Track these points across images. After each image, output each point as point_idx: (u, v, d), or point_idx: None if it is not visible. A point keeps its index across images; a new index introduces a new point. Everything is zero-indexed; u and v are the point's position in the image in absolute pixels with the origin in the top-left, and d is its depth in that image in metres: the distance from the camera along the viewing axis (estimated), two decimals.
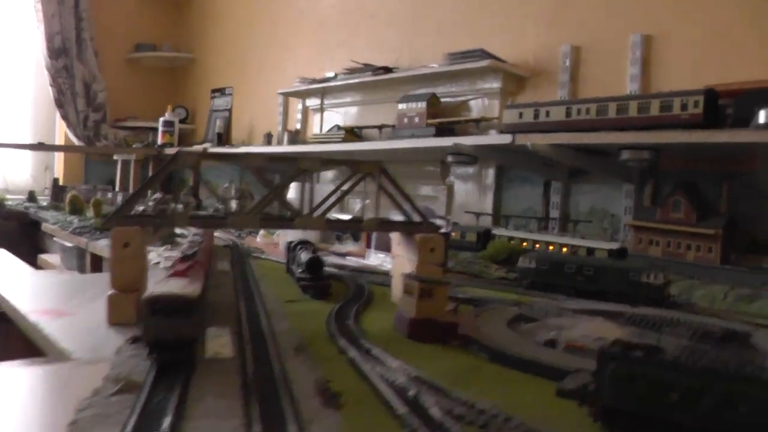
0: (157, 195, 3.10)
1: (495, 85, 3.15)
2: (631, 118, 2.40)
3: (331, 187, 1.63)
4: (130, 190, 5.14)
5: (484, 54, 3.05)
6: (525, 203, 3.08)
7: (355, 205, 3.61)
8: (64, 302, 1.59)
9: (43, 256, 4.25)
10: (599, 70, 2.85)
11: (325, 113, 4.22)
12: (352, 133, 3.74)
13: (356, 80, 3.73)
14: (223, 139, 4.97)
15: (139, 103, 5.98)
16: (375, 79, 3.60)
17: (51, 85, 5.61)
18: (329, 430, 0.83)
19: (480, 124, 3.12)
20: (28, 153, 5.76)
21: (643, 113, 2.36)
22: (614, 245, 2.20)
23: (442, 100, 3.37)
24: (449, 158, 2.94)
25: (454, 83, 3.35)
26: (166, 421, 0.80)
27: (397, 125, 3.38)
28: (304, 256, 1.85)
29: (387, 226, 1.58)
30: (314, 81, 4.07)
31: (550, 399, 0.89)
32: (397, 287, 1.65)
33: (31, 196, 4.99)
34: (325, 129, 4.16)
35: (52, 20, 5.55)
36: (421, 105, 3.24)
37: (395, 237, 1.70)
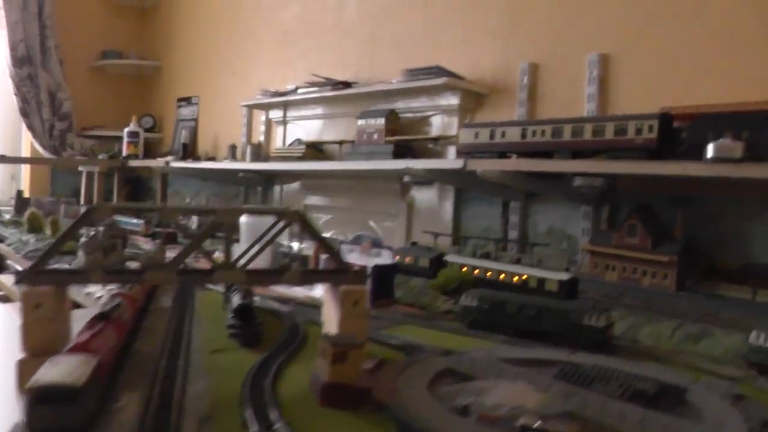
0: (91, 232, 3.04)
1: (453, 102, 3.09)
2: (586, 141, 2.35)
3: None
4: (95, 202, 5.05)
5: (440, 71, 2.99)
6: (484, 222, 3.02)
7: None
8: None
9: (1, 277, 4.15)
10: (557, 89, 2.80)
11: (288, 126, 4.15)
12: (314, 148, 3.67)
13: (316, 95, 3.66)
14: (189, 150, 4.88)
15: (105, 112, 5.87)
16: (335, 94, 3.53)
17: (15, 94, 5.49)
18: None
19: (438, 142, 3.06)
20: None
21: (597, 136, 2.32)
22: (565, 276, 2.14)
23: (403, 115, 3.30)
24: (406, 178, 2.88)
25: (414, 99, 3.29)
26: None
27: (357, 141, 3.31)
28: (235, 300, 1.79)
29: (310, 277, 1.51)
30: (276, 94, 3.99)
31: None
32: (331, 325, 1.59)
33: None
34: (289, 141, 4.09)
35: (16, 27, 5.42)
36: (380, 122, 3.18)
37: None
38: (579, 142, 2.37)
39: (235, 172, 4.00)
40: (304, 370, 1.43)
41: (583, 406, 1.22)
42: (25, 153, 5.75)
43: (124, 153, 5.11)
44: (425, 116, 3.28)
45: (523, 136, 2.52)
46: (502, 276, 2.29)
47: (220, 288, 2.38)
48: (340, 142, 3.48)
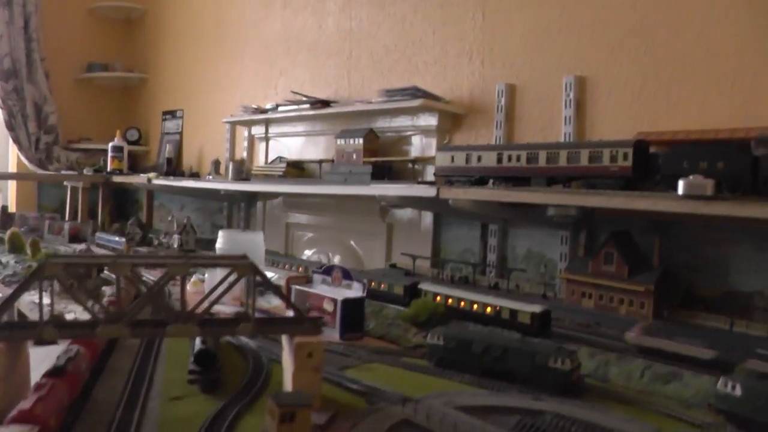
0: (82, 248, 3.00)
1: (432, 122, 3.06)
2: (561, 168, 2.33)
3: None
4: (79, 218, 5.01)
5: (417, 91, 2.95)
6: (464, 244, 2.99)
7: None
8: None
9: None
10: (535, 111, 2.77)
11: (271, 142, 4.12)
12: (295, 166, 3.64)
13: (295, 113, 3.63)
14: (173, 164, 4.84)
15: (91, 124, 5.83)
16: (314, 113, 3.50)
17: (1, 108, 5.45)
18: None
19: (416, 164, 3.03)
20: None
21: (572, 163, 2.30)
22: (537, 308, 2.10)
23: (384, 134, 3.27)
24: (383, 201, 2.85)
25: (393, 118, 3.26)
26: None
27: (336, 161, 3.28)
28: (197, 344, 1.75)
29: (266, 328, 1.47)
30: (256, 111, 3.96)
31: None
32: (287, 375, 1.56)
33: None
34: (271, 157, 4.06)
35: (1, 41, 5.38)
36: (358, 142, 3.14)
37: None
38: (554, 169, 2.34)
39: (218, 189, 3.98)
40: (261, 420, 1.40)
41: None
42: (12, 166, 5.71)
43: (109, 167, 5.06)
44: (405, 135, 3.24)
45: (499, 161, 2.49)
46: (475, 306, 2.26)
47: None
48: (320, 161, 3.45)
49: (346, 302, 2.12)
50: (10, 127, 5.49)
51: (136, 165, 5.59)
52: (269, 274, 2.46)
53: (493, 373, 1.74)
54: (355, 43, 3.63)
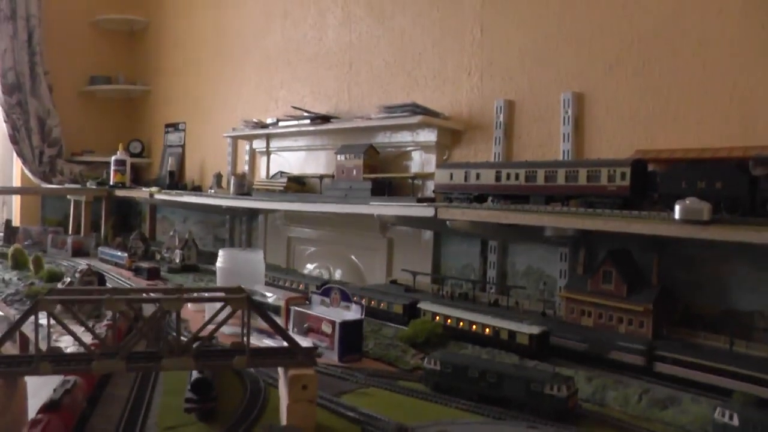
0: (83, 267, 3.03)
1: (431, 138, 3.06)
2: (559, 187, 2.33)
3: None
4: (82, 232, 5.03)
5: (416, 108, 2.95)
6: (464, 260, 2.99)
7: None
8: None
9: None
10: (534, 127, 2.76)
11: (272, 156, 4.12)
12: (296, 182, 3.64)
13: (295, 129, 3.64)
14: (176, 177, 4.85)
15: (95, 137, 5.85)
16: (314, 129, 3.51)
17: (5, 122, 5.48)
18: None
19: (416, 180, 3.03)
20: None
21: (570, 182, 2.30)
22: (536, 329, 2.10)
23: (384, 149, 3.27)
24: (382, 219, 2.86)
25: (393, 134, 3.26)
26: None
27: (336, 176, 3.28)
28: (194, 372, 1.75)
29: (261, 361, 1.47)
30: (257, 125, 3.97)
31: None
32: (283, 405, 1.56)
33: None
34: (273, 171, 4.07)
35: (5, 56, 5.41)
36: (358, 158, 3.15)
37: None
38: (552, 187, 2.34)
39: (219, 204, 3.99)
40: None
41: None
42: (16, 179, 5.74)
43: (112, 181, 5.08)
44: (405, 151, 3.24)
45: (498, 179, 2.49)
46: (474, 327, 2.26)
47: None
48: (321, 177, 3.45)
49: (345, 325, 2.12)
50: (14, 140, 5.52)
51: (139, 177, 5.61)
52: (268, 295, 2.46)
53: (489, 398, 1.74)
54: (355, 57, 3.64)
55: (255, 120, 4.02)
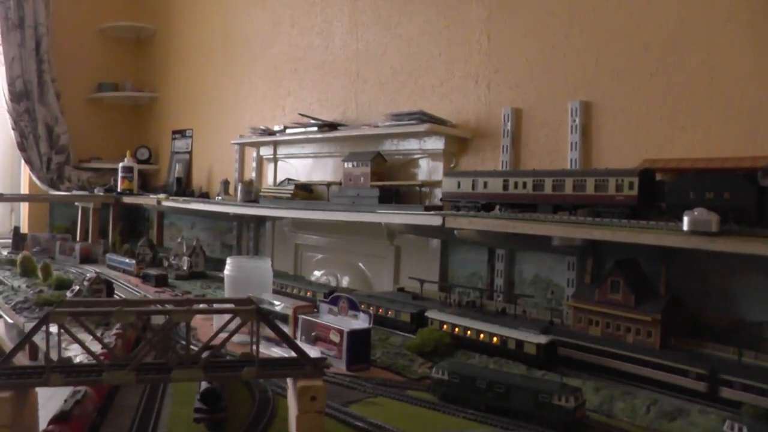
0: (92, 275, 3.04)
1: (438, 146, 3.07)
2: (567, 196, 2.33)
3: None
4: (90, 239, 5.05)
5: (424, 116, 2.96)
6: (471, 268, 2.99)
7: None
8: None
9: None
10: (541, 136, 2.76)
11: (279, 163, 4.13)
12: (303, 189, 3.65)
13: (302, 136, 3.65)
14: (183, 184, 4.87)
15: (102, 143, 5.88)
16: (321, 136, 3.52)
17: (13, 129, 5.51)
18: None
19: (423, 188, 3.04)
20: None
21: (578, 191, 2.30)
22: (543, 339, 2.10)
23: (391, 157, 3.28)
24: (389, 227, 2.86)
25: (401, 142, 3.27)
26: None
27: (343, 184, 3.29)
28: (203, 383, 1.76)
29: (270, 372, 1.48)
30: (264, 132, 3.98)
31: None
32: (291, 416, 1.56)
33: None
34: (280, 178, 4.08)
35: (13, 64, 5.44)
36: (366, 165, 3.15)
37: None
38: (560, 197, 2.34)
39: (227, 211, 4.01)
40: None
41: None
42: (24, 186, 5.77)
43: (119, 188, 5.11)
44: (412, 159, 3.25)
45: (505, 187, 2.50)
46: (481, 336, 2.26)
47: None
48: (328, 184, 3.46)
49: (353, 334, 2.13)
50: (22, 148, 5.55)
51: (146, 184, 5.64)
52: (276, 303, 2.47)
53: (497, 409, 1.74)
54: (362, 65, 3.65)
55: (262, 127, 4.03)
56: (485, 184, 2.56)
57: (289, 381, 1.56)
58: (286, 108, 4.19)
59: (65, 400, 1.53)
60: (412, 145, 3.22)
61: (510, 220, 2.27)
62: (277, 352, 2.23)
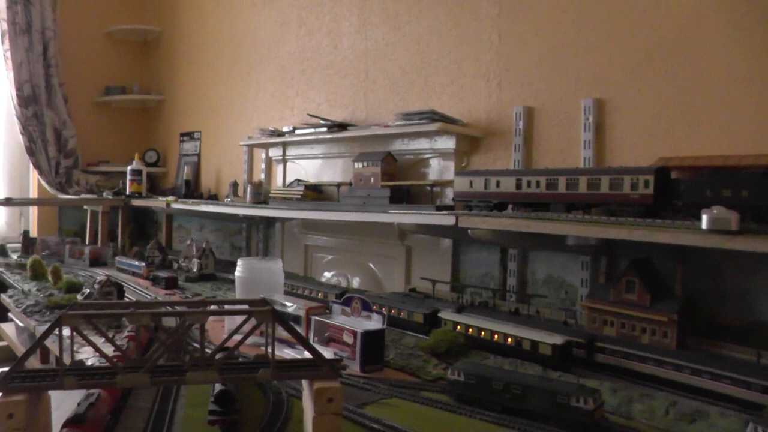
0: (102, 277, 3.03)
1: (449, 145, 3.04)
2: (581, 195, 2.31)
3: None
4: (99, 242, 5.05)
5: (434, 115, 2.94)
6: (483, 268, 2.96)
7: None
8: None
9: (3, 326, 4.15)
10: (553, 134, 2.74)
11: (288, 164, 4.12)
12: (313, 189, 3.63)
13: (312, 137, 3.64)
14: (192, 186, 4.87)
15: (110, 147, 5.90)
16: (331, 137, 3.50)
17: (21, 134, 5.51)
18: None
19: (434, 188, 3.01)
20: None
21: (592, 190, 2.27)
22: (559, 339, 2.08)
23: (401, 157, 3.26)
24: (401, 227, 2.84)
25: (411, 141, 3.24)
26: None
27: (354, 184, 3.27)
28: (217, 385, 1.74)
29: (285, 373, 1.46)
30: (273, 133, 3.97)
31: None
32: (308, 418, 1.54)
33: (2, 250, 4.90)
34: (289, 179, 4.07)
35: (21, 68, 5.45)
36: (376, 165, 3.13)
37: None
38: (574, 195, 2.32)
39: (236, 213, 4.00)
40: None
41: None
42: (33, 191, 5.78)
43: (128, 191, 5.11)
44: (423, 158, 3.23)
45: (518, 186, 2.47)
46: (496, 337, 2.24)
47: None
48: (338, 185, 3.44)
49: (366, 335, 2.11)
50: (31, 152, 5.56)
51: (155, 186, 5.64)
52: (288, 305, 2.45)
53: (513, 411, 1.71)
54: (371, 64, 3.63)
55: (271, 128, 4.02)
56: (498, 183, 2.54)
57: (304, 383, 1.54)
58: (294, 109, 4.18)
59: (79, 403, 1.52)
60: (422, 144, 3.20)
61: (525, 220, 2.25)
62: (289, 353, 2.22)
